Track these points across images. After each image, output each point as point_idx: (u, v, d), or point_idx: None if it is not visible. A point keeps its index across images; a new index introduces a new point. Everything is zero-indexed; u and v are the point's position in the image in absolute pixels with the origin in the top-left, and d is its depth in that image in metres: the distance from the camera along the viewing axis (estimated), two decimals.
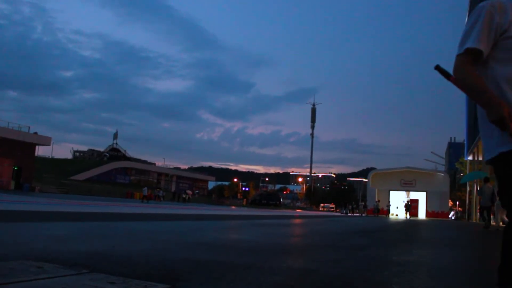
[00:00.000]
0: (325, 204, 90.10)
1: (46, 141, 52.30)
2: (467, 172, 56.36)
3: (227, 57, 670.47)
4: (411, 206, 48.50)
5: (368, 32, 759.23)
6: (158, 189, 63.62)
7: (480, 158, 42.43)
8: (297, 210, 59.17)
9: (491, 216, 16.52)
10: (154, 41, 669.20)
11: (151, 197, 40.39)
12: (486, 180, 17.15)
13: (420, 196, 57.41)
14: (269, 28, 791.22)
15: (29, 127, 49.29)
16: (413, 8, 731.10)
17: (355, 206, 70.25)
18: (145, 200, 38.77)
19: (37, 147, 52.08)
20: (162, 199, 56.97)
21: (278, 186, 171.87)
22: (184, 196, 61.56)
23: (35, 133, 50.38)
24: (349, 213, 57.49)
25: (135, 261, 3.21)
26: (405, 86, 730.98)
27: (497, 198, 14.81)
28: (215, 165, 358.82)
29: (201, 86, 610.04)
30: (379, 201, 52.04)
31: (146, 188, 42.90)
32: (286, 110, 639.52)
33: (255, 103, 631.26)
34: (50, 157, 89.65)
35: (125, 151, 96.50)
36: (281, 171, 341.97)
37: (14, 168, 44.59)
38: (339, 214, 51.25)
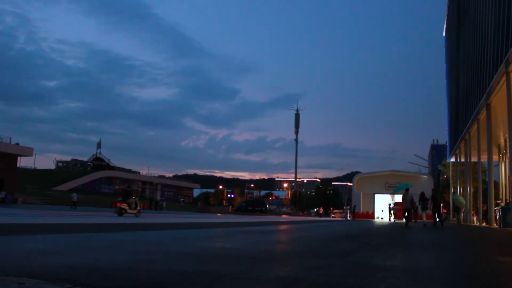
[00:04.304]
0: (334, 210, 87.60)
1: (28, 152, 51.66)
2: (450, 174, 57.11)
3: (212, 64, 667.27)
4: (396, 209, 48.80)
5: (352, 37, 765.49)
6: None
7: (463, 160, 42.98)
8: (283, 216, 59.13)
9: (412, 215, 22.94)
10: (139, 49, 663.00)
11: (76, 203, 40.19)
12: (407, 190, 22.08)
13: None
14: (254, 35, 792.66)
15: (10, 138, 48.73)
16: (397, 14, 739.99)
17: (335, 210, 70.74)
18: (73, 206, 38.46)
19: (19, 158, 51.43)
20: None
21: (263, 192, 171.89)
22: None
23: (17, 144, 49.75)
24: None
25: (119, 274, 3.17)
26: (388, 90, 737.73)
27: (416, 203, 23.08)
28: (200, 172, 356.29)
29: (187, 94, 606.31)
30: (355, 206, 52.58)
31: (75, 194, 42.47)
32: (272, 116, 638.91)
33: (240, 110, 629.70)
34: (33, 168, 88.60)
35: (109, 160, 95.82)
36: (266, 177, 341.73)
37: None
38: (340, 218, 50.64)
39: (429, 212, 22.94)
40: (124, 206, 19.42)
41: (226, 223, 17.68)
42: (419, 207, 23.28)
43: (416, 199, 23.40)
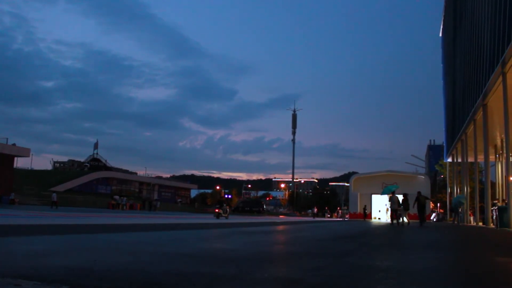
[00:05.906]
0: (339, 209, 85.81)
1: (25, 153, 51.52)
2: (447, 174, 57.27)
3: (210, 64, 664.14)
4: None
5: (349, 38, 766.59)
6: (121, 197, 60.92)
7: (459, 160, 43.07)
8: (280, 217, 59.11)
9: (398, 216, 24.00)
10: (137, 49, 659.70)
11: (57, 203, 39.96)
12: (393, 192, 24.53)
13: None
14: (252, 36, 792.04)
15: (7, 139, 48.59)
16: (393, 15, 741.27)
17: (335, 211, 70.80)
18: (54, 206, 38.33)
19: (15, 158, 51.27)
20: (124, 207, 55.39)
21: (261, 193, 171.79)
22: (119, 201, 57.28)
23: (14, 144, 49.59)
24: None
25: (116, 276, 3.15)
26: (385, 91, 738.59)
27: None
28: (198, 173, 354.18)
29: (184, 94, 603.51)
30: (365, 206, 52.26)
31: (55, 194, 42.26)
32: (270, 116, 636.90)
33: (238, 111, 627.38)
34: (30, 168, 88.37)
35: (106, 161, 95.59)
36: (263, 178, 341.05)
37: None
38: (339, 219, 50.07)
39: (410, 212, 24.56)
40: (220, 211, 25.52)
41: (224, 223, 17.65)
42: (401, 207, 23.97)
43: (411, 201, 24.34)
